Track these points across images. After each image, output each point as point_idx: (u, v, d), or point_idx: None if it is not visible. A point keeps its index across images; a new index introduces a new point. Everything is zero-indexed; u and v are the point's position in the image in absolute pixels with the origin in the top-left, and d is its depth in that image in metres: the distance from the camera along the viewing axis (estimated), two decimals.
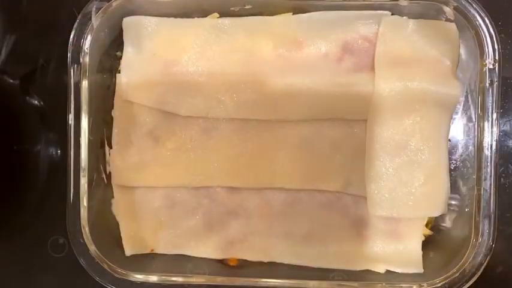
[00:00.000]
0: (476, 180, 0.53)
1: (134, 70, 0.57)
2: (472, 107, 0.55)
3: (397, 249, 0.57)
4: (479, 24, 0.52)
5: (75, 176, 0.54)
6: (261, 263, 0.58)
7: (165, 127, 0.58)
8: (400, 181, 0.55)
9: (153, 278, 0.55)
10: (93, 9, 0.54)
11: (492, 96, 0.52)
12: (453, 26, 0.55)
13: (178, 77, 0.57)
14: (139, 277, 0.55)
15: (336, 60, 0.56)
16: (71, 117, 0.54)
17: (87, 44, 0.54)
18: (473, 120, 0.54)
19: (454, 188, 0.56)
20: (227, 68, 0.56)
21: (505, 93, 0.53)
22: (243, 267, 0.58)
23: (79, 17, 0.54)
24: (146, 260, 0.58)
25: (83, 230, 0.54)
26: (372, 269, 0.57)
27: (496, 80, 0.52)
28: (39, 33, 0.61)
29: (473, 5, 0.52)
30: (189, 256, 0.59)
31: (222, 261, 0.59)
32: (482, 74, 0.53)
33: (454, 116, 0.56)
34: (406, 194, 0.55)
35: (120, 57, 0.58)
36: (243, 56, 0.56)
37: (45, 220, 0.61)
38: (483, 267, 0.52)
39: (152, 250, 0.59)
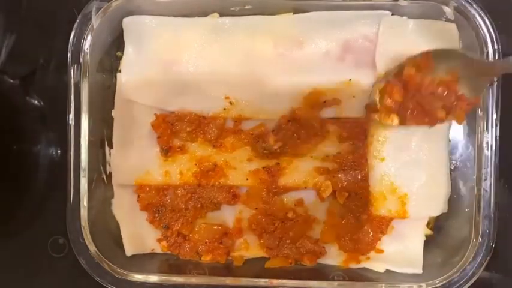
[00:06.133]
0: (476, 180, 0.53)
1: (135, 69, 0.57)
2: None
3: (398, 248, 0.57)
4: (479, 24, 0.52)
5: (75, 176, 0.54)
6: (261, 263, 0.58)
7: None
8: (401, 181, 0.55)
9: (153, 278, 0.55)
10: (93, 9, 0.54)
11: (492, 97, 0.52)
12: (453, 26, 0.55)
13: (179, 76, 0.56)
14: (139, 277, 0.55)
15: (337, 58, 0.56)
16: (71, 117, 0.54)
17: (87, 44, 0.54)
18: (474, 120, 0.54)
19: (454, 188, 0.56)
20: (227, 67, 0.56)
21: (505, 93, 0.53)
22: (243, 267, 0.58)
23: (79, 17, 0.54)
24: (146, 260, 0.59)
25: (83, 230, 0.54)
26: (372, 268, 0.57)
27: (496, 80, 0.52)
28: (39, 33, 0.61)
29: (473, 5, 0.52)
30: None
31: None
32: None
33: None
34: (408, 194, 0.55)
35: (120, 57, 0.58)
36: (244, 55, 0.56)
37: (45, 220, 0.61)
38: (483, 267, 0.52)
39: (153, 250, 0.59)
